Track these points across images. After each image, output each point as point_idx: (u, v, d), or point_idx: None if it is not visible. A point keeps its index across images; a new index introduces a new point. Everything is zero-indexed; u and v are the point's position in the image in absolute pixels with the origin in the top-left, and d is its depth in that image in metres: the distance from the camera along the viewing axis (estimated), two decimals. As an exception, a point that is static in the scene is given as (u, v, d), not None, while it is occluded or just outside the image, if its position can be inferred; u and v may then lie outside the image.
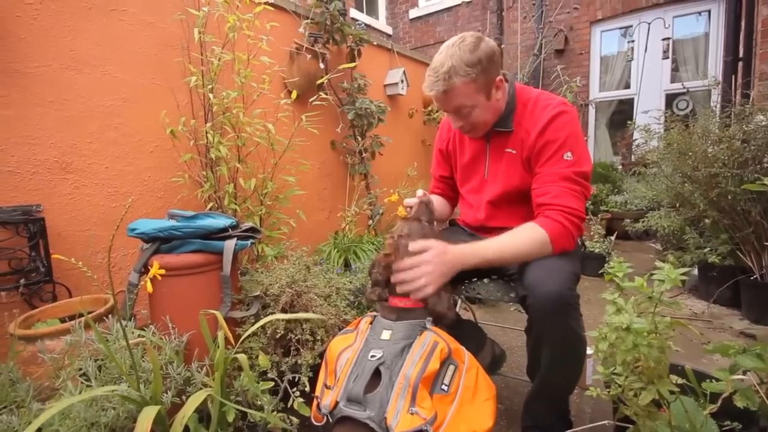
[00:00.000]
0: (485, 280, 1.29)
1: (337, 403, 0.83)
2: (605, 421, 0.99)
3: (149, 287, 0.75)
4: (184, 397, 0.93)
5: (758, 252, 2.20)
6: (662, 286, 0.59)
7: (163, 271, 0.78)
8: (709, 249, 2.37)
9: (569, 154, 1.06)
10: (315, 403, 0.91)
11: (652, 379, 0.65)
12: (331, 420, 0.85)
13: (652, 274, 0.61)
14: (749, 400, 0.88)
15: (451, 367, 0.88)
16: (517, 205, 1.22)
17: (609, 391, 0.77)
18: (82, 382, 0.93)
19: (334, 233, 2.50)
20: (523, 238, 1.03)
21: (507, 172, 1.20)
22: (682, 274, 0.63)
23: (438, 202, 1.43)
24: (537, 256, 1.01)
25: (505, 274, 1.33)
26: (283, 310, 1.27)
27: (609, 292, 0.65)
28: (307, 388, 1.14)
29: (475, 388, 0.88)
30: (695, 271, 2.61)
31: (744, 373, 0.93)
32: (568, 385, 1.06)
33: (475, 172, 1.31)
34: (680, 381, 0.70)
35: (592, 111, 5.05)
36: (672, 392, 0.67)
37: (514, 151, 1.18)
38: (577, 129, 1.10)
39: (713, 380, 0.89)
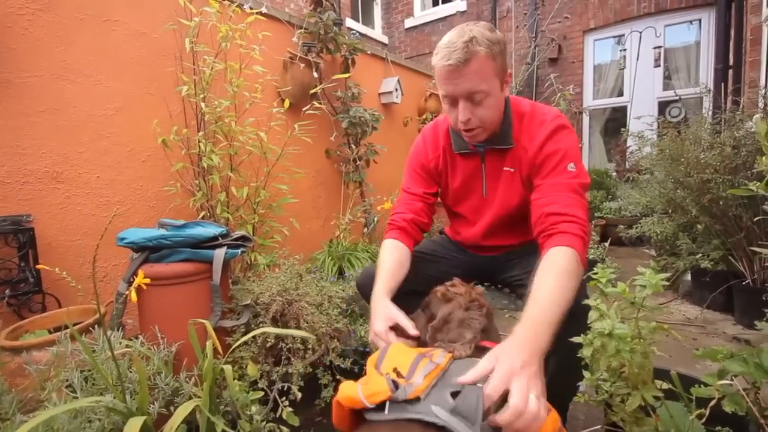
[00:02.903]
0: (478, 288, 1.27)
1: (418, 398, 0.67)
2: (597, 426, 0.98)
3: (134, 296, 0.75)
4: (172, 408, 0.92)
5: (750, 257, 2.20)
6: (644, 292, 0.59)
7: (148, 281, 0.78)
8: (701, 254, 2.38)
9: (572, 165, 1.01)
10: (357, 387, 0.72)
11: (636, 384, 0.65)
12: (387, 410, 0.67)
13: (634, 280, 0.61)
14: (737, 405, 0.88)
15: None
16: (516, 224, 1.18)
17: (596, 398, 0.77)
18: (68, 394, 0.92)
19: (328, 241, 2.50)
20: (565, 272, 0.83)
21: (506, 193, 1.15)
22: (669, 279, 0.63)
23: (399, 255, 1.13)
24: (577, 283, 0.84)
25: (498, 280, 1.32)
26: (274, 319, 1.27)
27: (592, 298, 0.66)
28: (298, 397, 1.13)
29: None
30: (688, 277, 2.62)
31: (732, 378, 0.93)
32: (570, 393, 1.04)
33: (471, 193, 1.22)
34: (666, 386, 0.69)
35: (586, 118, 5.10)
36: (657, 398, 0.67)
37: (512, 170, 1.13)
38: (576, 142, 1.06)
39: (702, 385, 0.89)
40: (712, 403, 0.76)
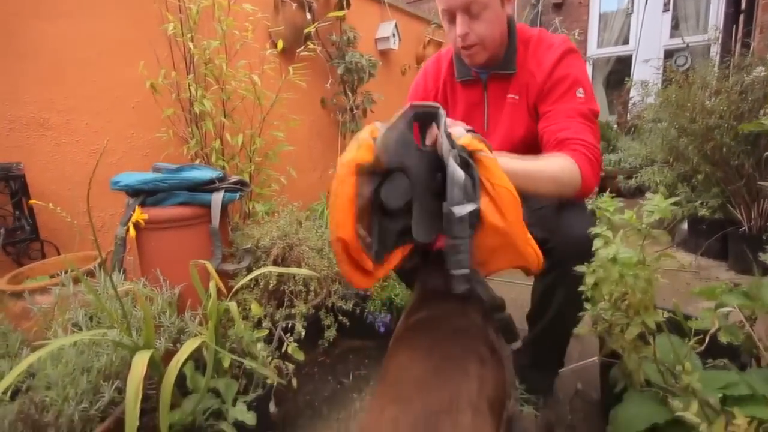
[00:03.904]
0: None
1: None
2: (594, 358, 1.02)
3: (132, 232, 0.74)
4: (178, 345, 0.94)
5: (748, 204, 2.21)
6: (651, 217, 0.58)
7: (145, 217, 0.76)
8: (700, 202, 2.39)
9: (581, 90, 0.99)
10: None
11: (638, 310, 0.66)
12: None
13: (642, 206, 0.60)
14: (733, 336, 0.90)
15: None
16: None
17: (596, 328, 0.78)
18: (74, 331, 0.93)
19: (326, 192, 2.48)
20: (555, 164, 0.85)
21: (510, 122, 1.11)
22: (666, 228, 0.62)
23: None
24: (565, 190, 0.87)
25: None
26: (275, 263, 1.27)
27: (597, 227, 0.65)
28: (302, 335, 1.15)
29: None
30: (685, 226, 2.64)
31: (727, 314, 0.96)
32: (571, 329, 1.05)
33: (471, 125, 1.21)
34: (667, 315, 0.70)
35: (589, 68, 4.95)
36: (658, 324, 0.68)
37: (517, 98, 1.08)
38: (585, 67, 1.03)
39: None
40: (711, 331, 0.78)
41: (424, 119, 0.64)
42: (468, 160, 0.57)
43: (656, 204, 0.58)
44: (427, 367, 0.59)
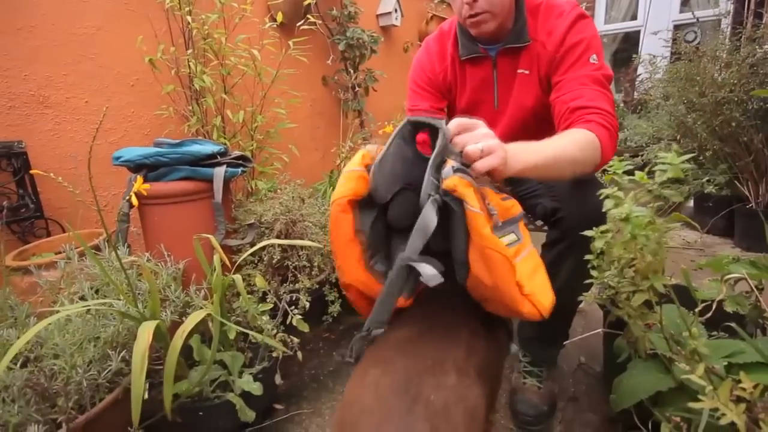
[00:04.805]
0: None
1: None
2: (597, 330, 1.02)
3: (134, 201, 0.73)
4: (184, 318, 0.94)
5: (756, 181, 2.19)
6: (664, 176, 0.56)
7: (147, 186, 0.75)
8: (706, 179, 2.37)
9: (595, 57, 0.95)
10: None
11: (647, 275, 0.65)
12: None
13: (655, 164, 0.58)
14: (739, 305, 0.90)
15: None
16: (531, 132, 1.06)
17: (602, 296, 0.78)
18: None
19: (329, 172, 2.46)
20: (575, 144, 0.81)
21: (519, 96, 1.07)
22: (672, 206, 0.60)
23: None
24: (586, 169, 0.83)
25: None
26: (278, 238, 1.27)
27: (608, 189, 0.63)
28: (307, 307, 1.15)
29: None
30: (691, 204, 2.63)
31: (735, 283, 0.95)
32: (577, 300, 1.04)
33: (481, 106, 1.14)
34: (675, 281, 0.70)
35: (595, 45, 4.85)
36: (663, 294, 0.68)
37: (527, 71, 1.05)
38: (597, 32, 0.99)
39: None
40: (718, 298, 0.78)
41: (423, 128, 0.61)
42: (452, 206, 0.52)
43: (669, 161, 0.56)
44: (414, 331, 0.59)
